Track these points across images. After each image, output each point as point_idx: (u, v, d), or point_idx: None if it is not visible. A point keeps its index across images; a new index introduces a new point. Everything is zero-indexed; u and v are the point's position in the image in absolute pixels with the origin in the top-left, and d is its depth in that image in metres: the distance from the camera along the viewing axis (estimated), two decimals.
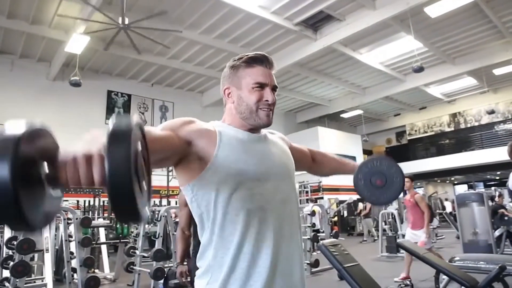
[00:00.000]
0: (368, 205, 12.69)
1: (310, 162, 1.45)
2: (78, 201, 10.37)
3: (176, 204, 7.68)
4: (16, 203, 0.52)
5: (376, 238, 11.80)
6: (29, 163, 0.56)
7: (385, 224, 9.83)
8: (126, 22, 7.56)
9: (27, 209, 0.54)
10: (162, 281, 4.56)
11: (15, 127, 0.56)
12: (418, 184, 20.47)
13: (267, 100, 1.11)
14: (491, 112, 15.47)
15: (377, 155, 1.32)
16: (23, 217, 0.53)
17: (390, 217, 10.31)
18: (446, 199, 18.17)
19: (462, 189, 20.79)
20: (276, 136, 1.28)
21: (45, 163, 0.61)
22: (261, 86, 1.12)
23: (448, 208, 15.32)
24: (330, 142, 16.75)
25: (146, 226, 7.33)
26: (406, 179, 6.37)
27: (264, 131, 1.22)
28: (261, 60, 1.15)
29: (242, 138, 1.12)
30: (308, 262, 6.62)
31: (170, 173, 11.64)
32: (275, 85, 1.16)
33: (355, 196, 13.17)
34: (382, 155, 1.30)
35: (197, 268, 1.11)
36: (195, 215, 1.10)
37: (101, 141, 0.63)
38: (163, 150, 0.96)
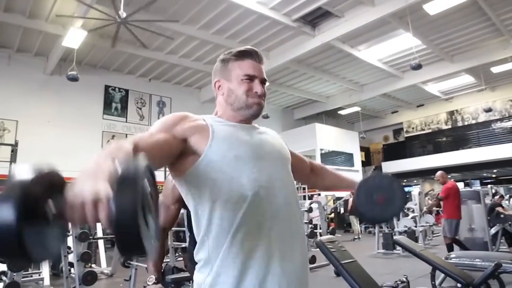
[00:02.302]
0: (350, 202, 12.71)
1: (308, 171, 1.45)
2: None
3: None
4: (19, 244, 0.55)
5: (356, 236, 11.83)
6: (36, 203, 0.59)
7: None
8: (123, 16, 7.50)
9: (31, 247, 0.57)
10: None
11: (24, 171, 0.60)
12: (415, 181, 20.55)
13: (256, 92, 1.14)
14: (488, 110, 15.51)
15: (377, 172, 1.30)
16: (25, 255, 0.56)
17: None
18: None
19: (458, 186, 20.82)
20: (272, 131, 1.29)
21: (52, 201, 0.64)
22: (250, 78, 1.15)
23: None
24: (328, 138, 16.77)
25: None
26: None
27: (257, 125, 1.23)
28: (251, 54, 1.18)
29: (234, 127, 1.13)
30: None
31: (167, 169, 11.64)
32: (264, 78, 1.18)
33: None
34: (383, 172, 1.29)
35: (195, 264, 1.11)
36: (191, 207, 1.10)
37: (107, 174, 0.65)
38: (162, 156, 0.99)
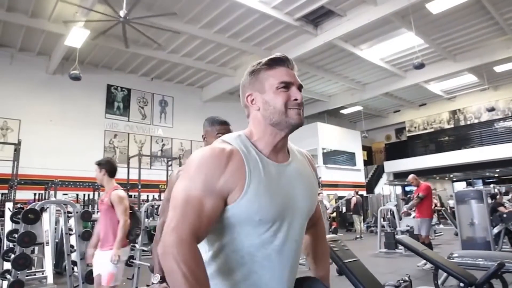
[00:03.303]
0: (353, 201, 12.70)
1: (311, 223, 1.27)
2: (77, 195, 10.37)
3: None
4: None
5: (358, 236, 11.81)
6: None
7: (384, 220, 9.87)
8: (125, 14, 7.50)
9: None
10: None
11: None
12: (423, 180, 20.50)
13: (295, 99, 1.05)
14: (491, 109, 15.48)
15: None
16: None
17: (389, 213, 10.36)
18: (451, 196, 18.13)
19: (460, 186, 20.82)
20: (303, 159, 1.20)
21: None
22: (287, 85, 1.06)
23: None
24: (330, 138, 16.77)
25: (146, 220, 7.36)
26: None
27: (292, 149, 1.16)
28: (283, 61, 1.10)
29: (270, 174, 1.02)
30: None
31: (170, 168, 11.65)
32: (301, 84, 1.10)
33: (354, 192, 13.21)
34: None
35: None
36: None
37: None
38: (213, 226, 0.98)
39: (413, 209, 7.14)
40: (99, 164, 3.28)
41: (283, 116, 1.04)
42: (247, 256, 0.99)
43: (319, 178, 14.34)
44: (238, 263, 1.00)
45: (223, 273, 1.00)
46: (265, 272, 1.00)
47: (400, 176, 18.55)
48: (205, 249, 1.04)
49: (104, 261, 3.02)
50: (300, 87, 1.09)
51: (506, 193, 9.35)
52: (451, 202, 15.52)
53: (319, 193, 11.07)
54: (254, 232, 0.99)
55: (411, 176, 6.96)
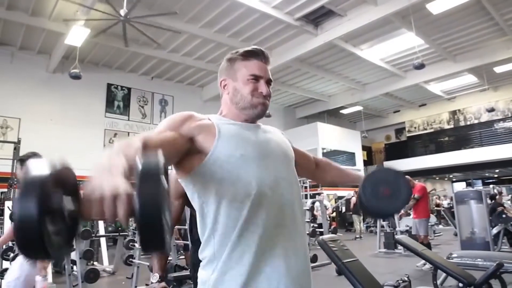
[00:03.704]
0: (353, 201, 12.70)
1: (313, 167, 1.44)
2: None
3: None
4: (40, 240, 0.57)
5: (357, 236, 11.81)
6: (52, 200, 0.61)
7: (383, 221, 9.87)
8: (125, 13, 7.50)
9: (49, 242, 0.58)
10: None
11: (39, 167, 0.62)
12: (417, 181, 20.51)
13: (261, 92, 1.15)
14: (491, 110, 15.47)
15: (381, 166, 1.30)
16: (45, 250, 0.58)
17: None
18: (445, 196, 18.18)
19: (460, 186, 20.83)
20: (275, 130, 1.30)
21: (67, 197, 0.66)
22: (256, 78, 1.15)
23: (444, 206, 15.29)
24: (330, 138, 16.76)
25: None
26: None
27: (261, 124, 1.24)
28: (257, 54, 1.18)
29: (239, 126, 1.14)
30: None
31: (169, 167, 11.65)
32: (270, 78, 1.19)
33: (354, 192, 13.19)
34: (387, 166, 1.28)
35: (199, 261, 1.11)
36: (196, 206, 1.11)
37: (122, 170, 0.68)
38: (170, 153, 0.99)
39: (410, 210, 7.16)
40: (21, 160, 2.92)
41: (248, 104, 1.15)
42: (245, 200, 1.02)
43: None
44: (238, 208, 1.02)
45: (228, 227, 1.02)
46: (262, 211, 1.03)
47: None
48: (203, 224, 1.08)
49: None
50: (269, 81, 1.18)
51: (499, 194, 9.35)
52: (445, 203, 15.55)
53: (319, 193, 11.03)
54: (243, 168, 1.05)
55: None
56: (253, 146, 1.10)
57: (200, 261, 1.10)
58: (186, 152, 1.05)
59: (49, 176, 0.61)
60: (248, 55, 1.18)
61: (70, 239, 0.67)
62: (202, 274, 1.09)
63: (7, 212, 5.90)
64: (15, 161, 8.26)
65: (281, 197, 1.09)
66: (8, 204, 6.45)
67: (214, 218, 1.04)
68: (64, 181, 0.66)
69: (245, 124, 1.17)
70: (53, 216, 0.60)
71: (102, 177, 0.65)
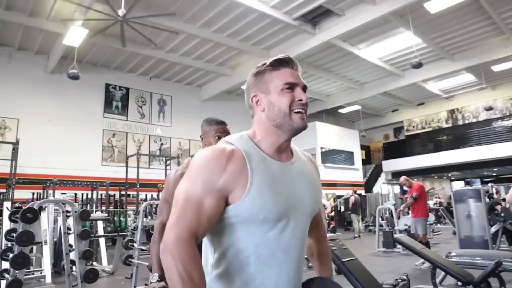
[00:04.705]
0: (351, 200, 12.70)
1: (312, 225, 1.25)
2: (76, 194, 10.37)
3: None
4: None
5: (356, 235, 11.81)
6: None
7: (382, 220, 9.89)
8: (123, 13, 7.49)
9: None
10: None
11: None
12: (415, 180, 20.55)
13: (300, 100, 1.06)
14: (489, 108, 15.51)
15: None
16: None
17: (387, 212, 10.38)
18: (438, 195, 18.11)
19: (459, 185, 20.88)
20: (306, 160, 1.20)
21: None
22: (291, 86, 1.06)
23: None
24: (328, 137, 16.78)
25: (144, 219, 7.35)
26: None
27: (295, 150, 1.17)
28: (287, 62, 1.10)
29: (273, 173, 1.03)
30: (305, 256, 6.64)
31: (168, 167, 11.65)
32: (305, 85, 1.11)
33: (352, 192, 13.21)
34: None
35: None
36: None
37: None
38: (213, 225, 0.99)
39: (408, 209, 7.18)
40: None
41: (286, 119, 1.05)
42: (252, 256, 0.99)
43: None
44: (244, 263, 0.99)
45: (229, 274, 1.00)
46: (271, 272, 1.00)
47: (398, 175, 18.56)
48: (211, 251, 1.05)
49: None
50: (304, 88, 1.09)
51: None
52: (431, 203, 15.57)
53: None
54: (258, 231, 0.99)
55: (402, 178, 7.03)
56: (278, 204, 1.00)
57: None
58: None
59: None
60: (277, 64, 1.09)
61: None
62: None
63: (5, 213, 5.89)
64: (13, 161, 8.26)
65: (289, 260, 1.04)
66: (7, 204, 6.44)
67: (221, 256, 1.02)
68: None
69: (279, 164, 1.06)
70: None
71: None
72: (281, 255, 1.01)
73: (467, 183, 20.52)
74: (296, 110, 1.05)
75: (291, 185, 1.06)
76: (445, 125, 18.64)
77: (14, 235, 4.19)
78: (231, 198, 0.98)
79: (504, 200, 7.89)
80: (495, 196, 8.60)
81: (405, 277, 3.25)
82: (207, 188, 0.96)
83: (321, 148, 16.28)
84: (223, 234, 1.01)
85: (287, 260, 1.03)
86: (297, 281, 1.07)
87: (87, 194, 10.28)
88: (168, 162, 11.93)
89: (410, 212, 7.38)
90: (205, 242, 1.08)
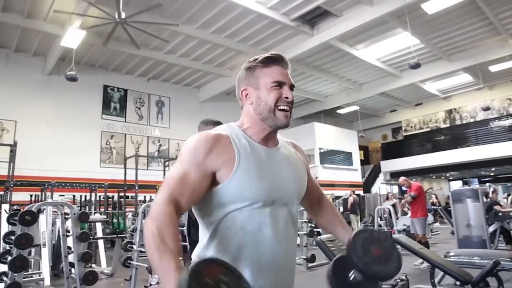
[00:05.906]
0: (350, 201, 12.70)
1: (315, 201, 1.39)
2: (74, 196, 10.34)
3: None
4: None
5: None
6: None
7: (381, 220, 9.91)
8: (123, 16, 7.50)
9: None
10: None
11: None
12: (414, 180, 20.58)
13: (286, 97, 1.13)
14: (487, 108, 15.56)
15: (370, 228, 1.19)
16: None
17: (386, 212, 10.39)
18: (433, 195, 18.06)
19: (456, 185, 20.91)
20: (292, 149, 1.26)
21: None
22: (280, 84, 1.13)
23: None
24: (326, 137, 16.78)
25: (143, 221, 7.34)
26: None
27: (281, 140, 1.23)
28: (278, 60, 1.16)
29: (259, 157, 1.10)
30: (305, 257, 6.67)
31: (167, 168, 11.64)
32: (293, 84, 1.17)
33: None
34: (376, 229, 1.19)
35: None
36: (197, 215, 1.13)
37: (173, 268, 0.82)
38: (197, 200, 1.04)
39: (407, 207, 7.20)
40: None
41: (271, 114, 1.12)
42: (240, 231, 1.04)
43: (316, 177, 14.35)
44: (232, 238, 1.04)
45: (219, 251, 1.05)
46: (258, 247, 1.05)
47: (397, 176, 18.59)
48: (204, 233, 1.10)
49: None
50: (292, 87, 1.16)
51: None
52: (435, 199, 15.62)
53: None
54: (246, 210, 1.04)
55: (401, 178, 7.06)
56: (265, 187, 1.07)
57: None
58: None
59: None
60: (268, 61, 1.15)
61: None
62: (195, 252, 1.14)
63: (4, 215, 5.88)
64: (11, 163, 8.23)
65: (278, 236, 1.08)
66: (5, 207, 6.42)
67: (212, 235, 1.08)
68: None
69: (264, 148, 1.14)
70: None
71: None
72: (269, 231, 1.06)
73: (465, 183, 20.56)
74: (281, 107, 1.12)
75: (277, 169, 1.12)
76: (443, 125, 18.68)
77: (13, 237, 4.18)
78: (219, 177, 1.05)
79: (500, 205, 7.91)
80: (491, 195, 8.60)
81: (404, 277, 3.26)
82: (192, 163, 1.04)
83: (320, 148, 16.29)
84: (213, 214, 1.06)
85: (276, 236, 1.07)
86: (287, 258, 1.11)
87: (85, 196, 10.24)
88: (167, 163, 11.91)
89: (409, 212, 7.40)
90: (201, 228, 1.13)
